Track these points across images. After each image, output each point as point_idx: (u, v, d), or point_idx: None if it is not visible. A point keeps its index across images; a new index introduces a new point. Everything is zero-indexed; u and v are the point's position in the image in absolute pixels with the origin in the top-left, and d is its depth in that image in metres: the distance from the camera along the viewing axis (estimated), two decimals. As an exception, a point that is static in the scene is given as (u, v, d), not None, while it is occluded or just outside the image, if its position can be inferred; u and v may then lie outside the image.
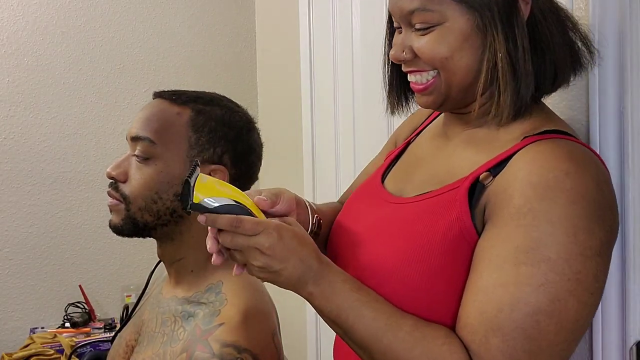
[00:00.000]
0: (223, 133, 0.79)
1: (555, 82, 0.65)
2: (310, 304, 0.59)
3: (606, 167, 0.61)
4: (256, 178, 0.87)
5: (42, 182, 1.96)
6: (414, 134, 0.82)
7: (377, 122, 1.39)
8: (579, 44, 0.65)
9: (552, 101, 0.82)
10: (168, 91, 0.81)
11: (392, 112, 0.76)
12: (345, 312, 0.57)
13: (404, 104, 0.75)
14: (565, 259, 0.53)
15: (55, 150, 1.98)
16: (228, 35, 2.28)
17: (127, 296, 1.97)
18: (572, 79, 0.67)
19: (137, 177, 0.77)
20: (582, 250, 0.53)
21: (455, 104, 0.67)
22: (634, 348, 0.72)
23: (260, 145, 0.86)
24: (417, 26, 0.63)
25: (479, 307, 0.55)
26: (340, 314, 0.57)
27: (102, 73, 2.06)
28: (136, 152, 0.78)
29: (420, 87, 0.66)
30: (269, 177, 2.23)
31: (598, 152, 0.73)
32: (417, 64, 0.65)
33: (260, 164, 0.87)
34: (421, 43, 0.63)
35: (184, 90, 0.82)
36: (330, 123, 1.67)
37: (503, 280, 0.54)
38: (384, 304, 0.59)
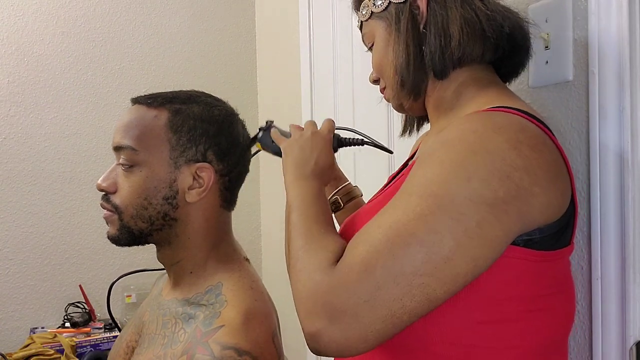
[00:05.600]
0: (203, 130, 0.78)
1: (463, 58, 0.67)
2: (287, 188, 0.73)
3: (557, 146, 0.60)
4: (247, 170, 0.86)
5: (42, 182, 1.96)
6: (412, 153, 0.87)
7: (377, 122, 1.39)
8: (482, 16, 0.67)
9: (552, 101, 0.82)
10: (144, 96, 0.81)
11: (402, 134, 0.87)
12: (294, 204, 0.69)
13: (412, 127, 0.86)
14: (452, 199, 0.52)
15: (55, 150, 1.98)
16: (228, 35, 2.28)
17: (127, 296, 1.97)
18: (486, 52, 0.68)
19: (126, 187, 0.77)
20: (471, 195, 0.52)
21: (411, 103, 0.74)
22: (634, 348, 0.72)
23: (245, 137, 0.85)
24: (368, 47, 0.77)
25: (366, 224, 0.57)
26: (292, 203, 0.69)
27: (102, 73, 2.06)
28: (121, 161, 0.78)
29: (384, 97, 0.78)
30: (269, 176, 2.24)
31: (597, 152, 0.74)
32: (380, 80, 0.77)
33: (249, 154, 0.86)
34: (372, 60, 0.76)
35: (160, 93, 0.82)
36: (330, 123, 1.67)
37: (393, 206, 0.56)
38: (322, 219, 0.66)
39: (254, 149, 0.87)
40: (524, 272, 0.57)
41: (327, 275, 0.54)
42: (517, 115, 0.59)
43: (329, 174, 0.78)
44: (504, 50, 0.70)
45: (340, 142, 0.83)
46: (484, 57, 0.69)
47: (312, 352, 0.55)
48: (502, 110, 0.60)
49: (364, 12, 0.76)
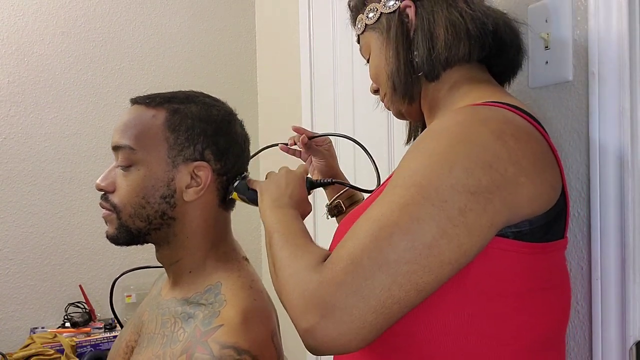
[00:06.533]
0: (201, 129, 0.79)
1: (450, 58, 0.69)
2: (263, 219, 0.73)
3: (546, 139, 0.60)
4: (245, 170, 0.86)
5: (42, 182, 1.96)
6: None
7: (377, 122, 1.39)
8: (466, 17, 0.69)
9: (552, 101, 0.82)
10: (143, 96, 0.81)
11: (407, 142, 0.88)
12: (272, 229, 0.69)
13: (415, 134, 0.87)
14: (435, 187, 0.53)
15: (55, 150, 1.98)
16: (228, 35, 2.28)
17: (127, 296, 1.97)
18: (472, 51, 0.69)
19: (124, 186, 0.77)
20: (454, 184, 0.53)
21: (407, 107, 0.75)
22: (634, 348, 0.72)
23: (244, 136, 0.85)
24: (366, 59, 0.80)
25: (355, 222, 0.58)
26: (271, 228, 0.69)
27: (102, 73, 2.06)
28: (119, 161, 0.78)
29: (384, 106, 0.80)
30: (269, 177, 2.24)
31: (597, 153, 0.74)
32: (380, 89, 0.79)
33: (247, 154, 0.86)
34: (369, 71, 0.79)
35: (159, 93, 0.82)
36: (330, 123, 1.67)
37: (379, 200, 0.57)
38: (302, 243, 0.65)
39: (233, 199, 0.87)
40: (517, 266, 0.57)
41: (315, 272, 0.55)
42: (503, 108, 0.60)
43: (304, 208, 0.78)
44: (491, 48, 0.71)
45: (312, 184, 0.85)
46: (472, 56, 0.70)
47: (309, 351, 0.54)
48: (490, 104, 0.61)
49: (359, 26, 0.78)
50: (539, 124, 0.62)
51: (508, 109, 0.60)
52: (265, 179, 0.83)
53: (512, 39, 0.72)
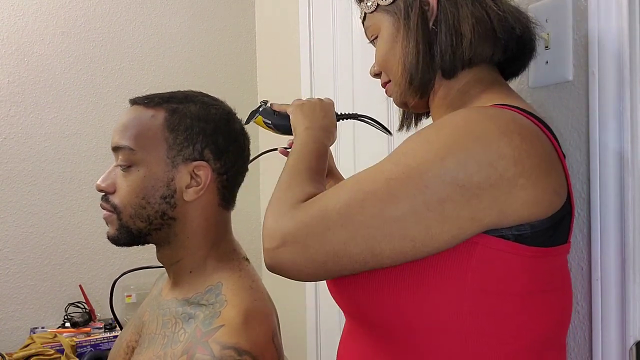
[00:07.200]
0: (200, 128, 0.79)
1: (473, 59, 0.67)
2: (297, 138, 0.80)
3: (553, 143, 0.60)
4: (246, 169, 0.86)
5: (42, 182, 1.96)
6: None
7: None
8: (493, 16, 0.66)
9: (552, 101, 0.82)
10: (142, 96, 0.81)
11: (400, 129, 0.87)
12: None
13: (409, 122, 0.86)
14: (422, 172, 0.54)
15: (55, 150, 1.98)
16: (228, 35, 2.28)
17: (127, 296, 1.97)
18: (495, 53, 0.68)
19: (124, 186, 0.77)
20: (442, 174, 0.53)
21: (417, 101, 0.73)
22: (634, 348, 0.72)
23: (243, 135, 0.85)
24: (371, 39, 0.76)
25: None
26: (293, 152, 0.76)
27: (102, 73, 2.06)
28: (119, 162, 0.78)
29: (385, 92, 0.78)
30: (269, 176, 2.24)
31: (597, 152, 0.74)
32: (383, 74, 0.76)
33: (248, 153, 0.86)
34: (375, 54, 0.75)
35: (158, 93, 0.82)
36: (330, 123, 1.67)
37: (368, 169, 0.60)
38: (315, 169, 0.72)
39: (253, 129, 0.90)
40: (517, 268, 0.57)
41: (293, 208, 0.60)
42: (513, 110, 0.60)
43: (333, 136, 0.85)
44: (512, 52, 0.69)
45: (338, 116, 0.89)
46: (493, 58, 0.68)
47: (267, 268, 0.61)
48: (499, 107, 0.61)
49: (369, 4, 0.73)
50: (549, 128, 0.61)
51: (517, 112, 0.59)
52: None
53: (530, 43, 0.71)
